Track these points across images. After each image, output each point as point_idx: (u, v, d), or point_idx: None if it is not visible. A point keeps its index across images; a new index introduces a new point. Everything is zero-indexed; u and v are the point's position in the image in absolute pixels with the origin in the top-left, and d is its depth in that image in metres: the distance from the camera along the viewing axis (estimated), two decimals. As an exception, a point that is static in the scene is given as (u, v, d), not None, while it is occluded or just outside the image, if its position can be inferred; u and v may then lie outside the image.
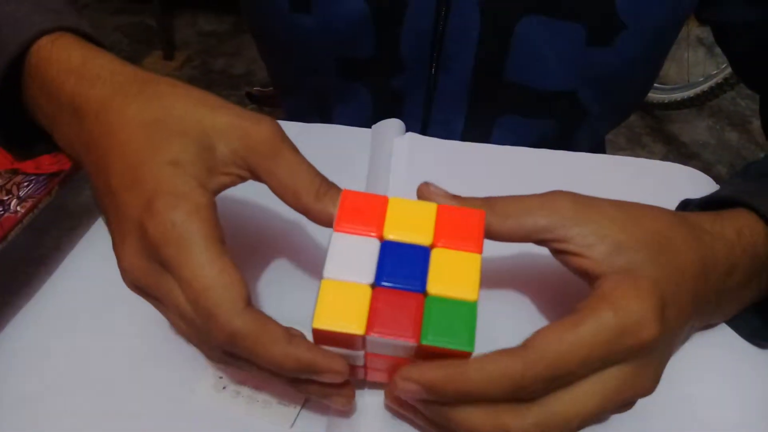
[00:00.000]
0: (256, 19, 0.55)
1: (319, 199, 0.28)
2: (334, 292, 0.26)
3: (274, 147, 0.28)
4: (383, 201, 0.28)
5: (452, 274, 0.26)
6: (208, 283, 0.25)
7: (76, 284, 0.36)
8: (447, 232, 0.27)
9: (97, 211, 0.40)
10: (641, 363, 0.26)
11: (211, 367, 0.32)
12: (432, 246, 0.27)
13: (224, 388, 0.31)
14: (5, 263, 0.36)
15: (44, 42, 0.32)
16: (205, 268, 0.25)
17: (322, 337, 0.26)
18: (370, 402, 0.31)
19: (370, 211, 0.27)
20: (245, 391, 0.31)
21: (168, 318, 0.29)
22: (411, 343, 0.25)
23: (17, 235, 0.34)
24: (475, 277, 0.26)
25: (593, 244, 0.28)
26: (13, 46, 0.32)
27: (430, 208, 0.28)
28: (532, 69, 0.48)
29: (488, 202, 0.29)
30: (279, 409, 0.31)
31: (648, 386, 0.27)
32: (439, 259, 0.27)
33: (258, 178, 0.29)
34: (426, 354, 0.26)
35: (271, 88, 0.72)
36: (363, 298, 0.26)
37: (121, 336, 0.34)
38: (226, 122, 0.28)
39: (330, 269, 0.26)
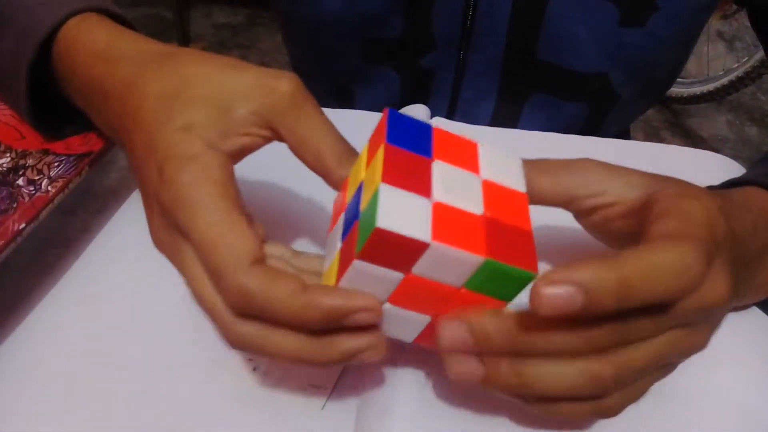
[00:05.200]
0: (282, 2, 0.54)
1: (342, 165, 0.27)
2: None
3: (296, 102, 0.28)
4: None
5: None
6: (214, 240, 0.24)
7: (104, 266, 0.36)
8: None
9: (123, 192, 0.40)
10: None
11: (240, 348, 0.32)
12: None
13: (254, 369, 0.31)
14: (33, 245, 0.36)
15: (71, 24, 0.33)
16: (213, 226, 0.24)
17: (376, 247, 0.23)
18: (402, 382, 0.30)
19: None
20: (276, 372, 0.31)
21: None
22: (480, 257, 0.23)
23: (46, 217, 0.34)
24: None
25: (629, 192, 0.28)
26: (41, 30, 0.32)
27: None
28: (563, 49, 0.48)
29: (527, 162, 0.30)
30: (310, 391, 0.31)
31: (703, 341, 0.26)
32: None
33: (279, 135, 0.28)
34: (470, 296, 0.24)
35: (289, 78, 0.72)
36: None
37: (149, 317, 0.34)
38: (246, 82, 0.28)
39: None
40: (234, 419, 0.30)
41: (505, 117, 0.53)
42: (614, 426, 0.30)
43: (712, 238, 0.24)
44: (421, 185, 0.24)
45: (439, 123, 0.46)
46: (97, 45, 0.32)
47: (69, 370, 0.32)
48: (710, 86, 1.63)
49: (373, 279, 0.24)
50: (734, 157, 0.47)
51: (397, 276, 0.24)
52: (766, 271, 0.32)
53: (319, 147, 0.27)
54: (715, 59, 1.75)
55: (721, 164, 0.46)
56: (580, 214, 0.31)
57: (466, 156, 0.27)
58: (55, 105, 0.36)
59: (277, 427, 0.29)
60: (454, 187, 0.25)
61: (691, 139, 1.70)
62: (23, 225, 0.32)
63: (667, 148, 0.47)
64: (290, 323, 0.24)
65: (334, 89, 0.58)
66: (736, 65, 1.60)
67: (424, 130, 0.27)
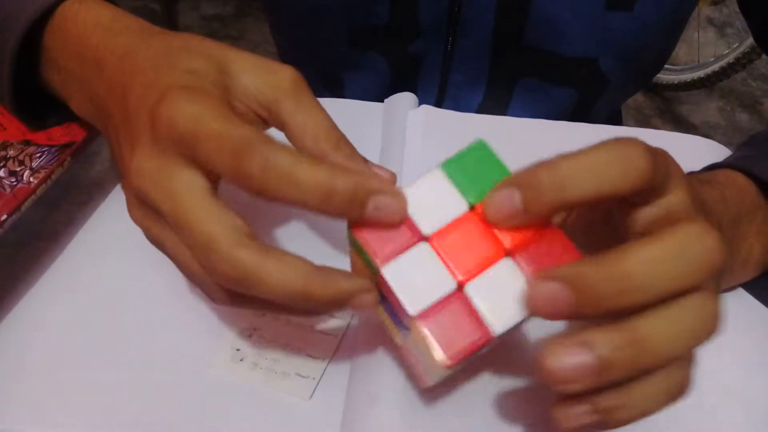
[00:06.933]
0: None
1: (339, 149, 0.28)
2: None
3: (297, 88, 0.29)
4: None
5: None
6: (235, 134, 0.23)
7: (89, 258, 0.36)
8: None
9: (107, 184, 0.40)
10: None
11: (228, 338, 0.32)
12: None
13: (242, 360, 0.31)
14: (17, 238, 0.35)
15: (70, 3, 0.33)
16: (231, 130, 0.23)
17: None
18: (389, 370, 0.30)
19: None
20: (263, 362, 0.31)
21: (172, 251, 0.26)
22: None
23: (29, 208, 0.33)
24: None
25: None
26: (27, 15, 0.32)
27: None
28: (551, 34, 0.47)
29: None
30: (297, 380, 0.30)
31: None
32: None
33: (276, 118, 0.29)
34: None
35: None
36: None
37: (135, 310, 0.33)
38: (251, 61, 0.29)
39: None
40: (221, 410, 0.30)
41: (496, 102, 0.53)
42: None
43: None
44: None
45: (428, 111, 0.46)
46: (100, 19, 0.32)
47: (54, 363, 0.31)
48: (701, 73, 1.63)
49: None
50: (726, 144, 0.47)
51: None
52: (746, 244, 0.32)
53: (318, 131, 0.28)
54: (705, 45, 1.74)
55: (711, 149, 0.46)
56: None
57: None
58: (38, 95, 0.36)
59: (264, 416, 0.29)
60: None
61: (682, 126, 1.70)
62: (5, 216, 0.31)
63: (657, 133, 0.47)
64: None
65: (323, 77, 0.57)
66: (726, 51, 1.59)
67: None
